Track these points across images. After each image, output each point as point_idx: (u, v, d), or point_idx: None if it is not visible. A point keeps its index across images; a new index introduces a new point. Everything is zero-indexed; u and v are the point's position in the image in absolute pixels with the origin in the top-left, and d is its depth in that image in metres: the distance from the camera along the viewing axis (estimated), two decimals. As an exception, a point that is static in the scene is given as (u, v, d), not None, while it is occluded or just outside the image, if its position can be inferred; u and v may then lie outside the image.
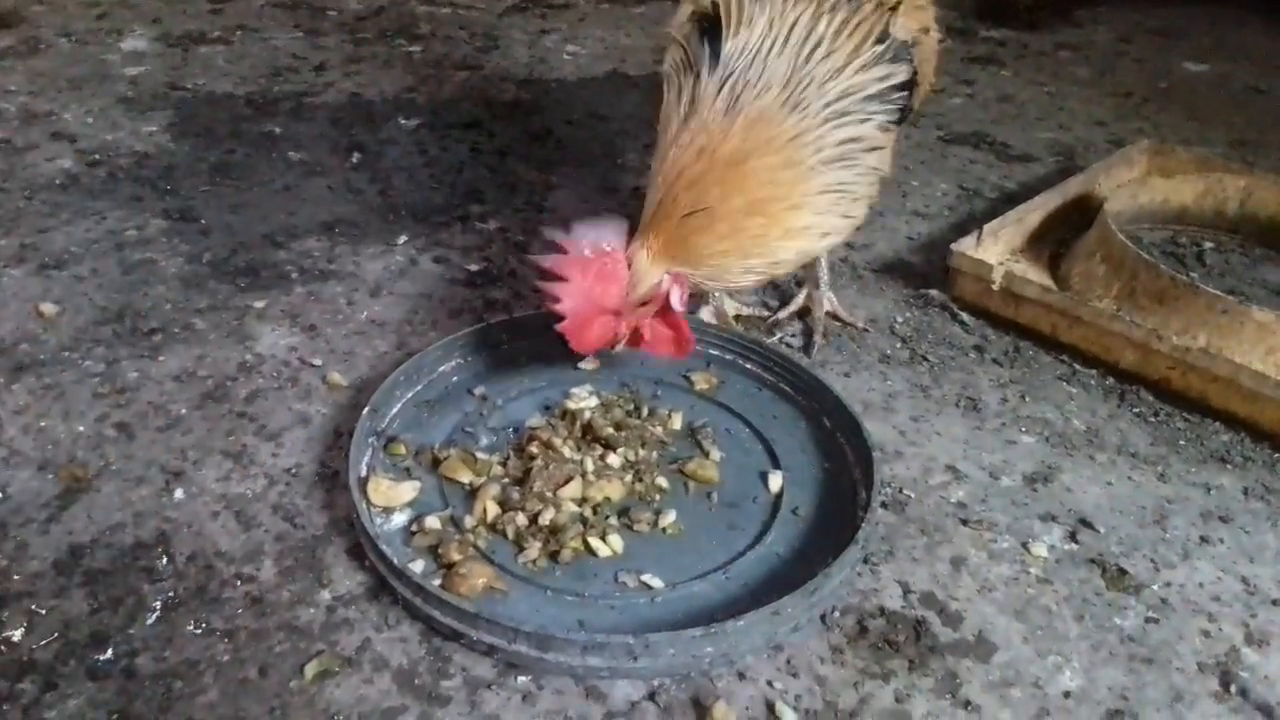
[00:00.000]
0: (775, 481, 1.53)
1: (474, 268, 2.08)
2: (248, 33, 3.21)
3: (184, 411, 1.63)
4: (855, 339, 1.89)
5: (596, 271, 1.44)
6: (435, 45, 3.23)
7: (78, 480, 1.48)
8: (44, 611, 1.28)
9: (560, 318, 1.44)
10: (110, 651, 1.23)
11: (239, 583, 1.33)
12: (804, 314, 1.94)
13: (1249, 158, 2.73)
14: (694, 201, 1.46)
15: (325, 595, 1.32)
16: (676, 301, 1.52)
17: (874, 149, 1.54)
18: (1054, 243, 2.16)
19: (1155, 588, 1.40)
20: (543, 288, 1.44)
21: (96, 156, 2.40)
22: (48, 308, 1.84)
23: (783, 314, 1.94)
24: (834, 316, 1.92)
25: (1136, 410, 1.74)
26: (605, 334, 1.50)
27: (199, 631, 1.26)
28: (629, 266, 1.46)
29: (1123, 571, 1.42)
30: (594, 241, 1.45)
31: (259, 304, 1.90)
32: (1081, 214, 2.19)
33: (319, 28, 3.30)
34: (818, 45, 1.48)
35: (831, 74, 1.48)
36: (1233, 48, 3.67)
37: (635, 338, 1.56)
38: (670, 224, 1.47)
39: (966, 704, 1.22)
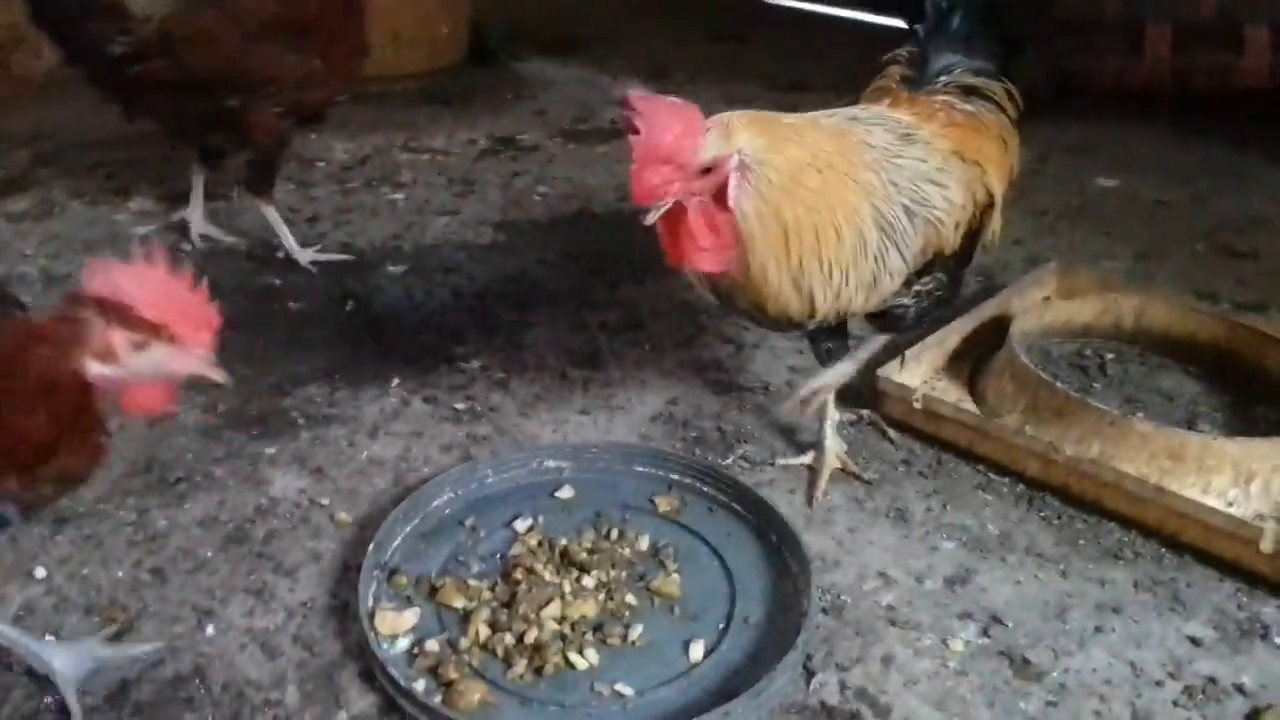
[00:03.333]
0: (729, 594, 1.76)
1: (459, 406, 2.33)
2: (244, 189, 3.51)
3: (209, 554, 1.85)
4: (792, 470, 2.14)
5: (681, 121, 1.50)
6: (417, 192, 3.54)
7: (116, 621, 1.69)
8: (99, 742, 1.48)
9: (634, 151, 1.50)
10: (160, 775, 1.43)
11: (267, 707, 1.54)
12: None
13: (1153, 269, 3.05)
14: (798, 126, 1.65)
15: (343, 715, 1.53)
16: (734, 190, 1.56)
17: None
18: (973, 361, 2.44)
19: (1055, 674, 1.63)
20: (628, 115, 1.49)
21: (115, 315, 2.65)
22: (82, 463, 2.07)
23: (792, 460, 2.11)
24: (842, 469, 2.07)
25: (1043, 514, 1.99)
26: (660, 187, 1.52)
27: (235, 753, 1.47)
28: (709, 129, 1.54)
29: (1027, 661, 1.66)
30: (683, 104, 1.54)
31: (270, 450, 2.14)
32: (997, 333, 2.47)
33: (310, 179, 3.61)
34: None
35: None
36: (1143, 161, 4.02)
37: (676, 223, 1.59)
38: (770, 118, 1.63)
39: (891, 784, 1.44)
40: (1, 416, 1.29)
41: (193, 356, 1.34)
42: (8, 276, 2.85)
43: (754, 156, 1.58)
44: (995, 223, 1.97)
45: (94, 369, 1.30)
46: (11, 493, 1.36)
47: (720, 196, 1.58)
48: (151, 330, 1.30)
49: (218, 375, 1.38)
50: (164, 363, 1.33)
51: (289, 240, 2.98)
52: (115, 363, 1.30)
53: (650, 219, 1.56)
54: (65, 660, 1.55)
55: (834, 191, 1.64)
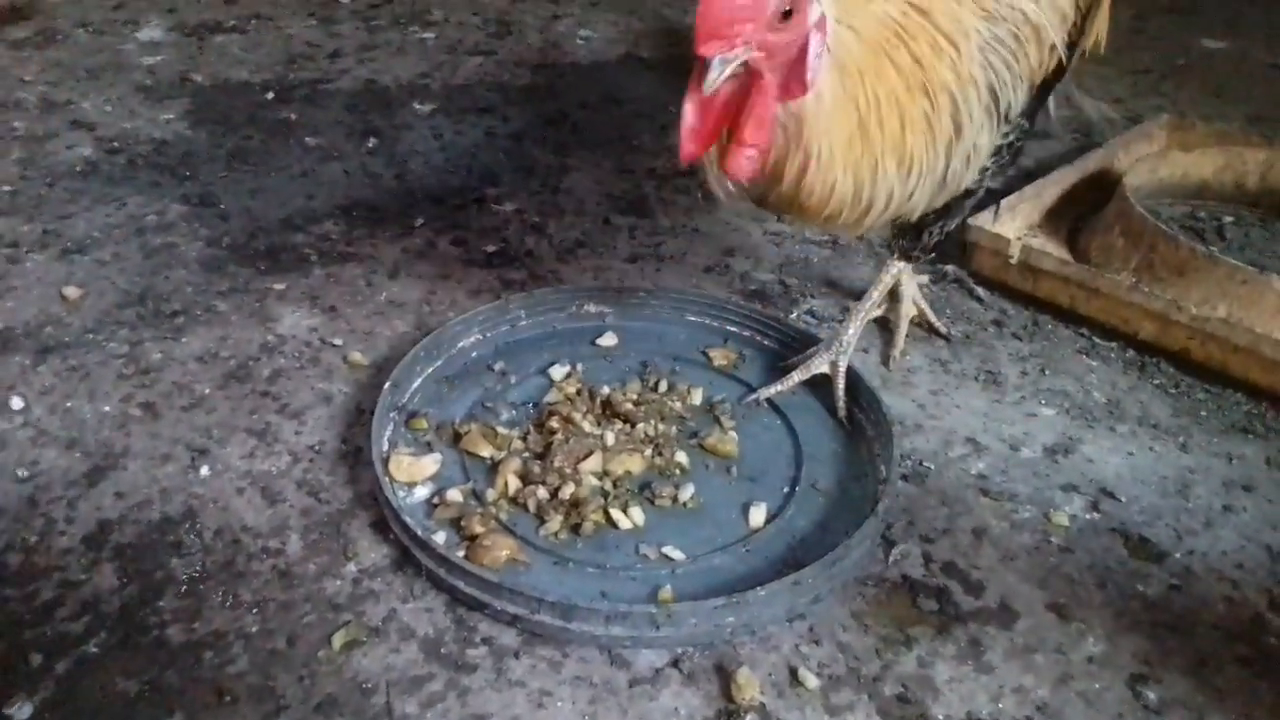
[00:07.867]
0: (793, 456, 1.53)
1: (491, 249, 2.08)
2: (262, 21, 3.22)
3: (207, 391, 1.64)
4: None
5: None
6: (449, 31, 3.23)
7: (105, 458, 1.50)
8: (75, 586, 1.29)
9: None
10: (140, 624, 1.24)
11: (265, 556, 1.34)
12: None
13: (1267, 133, 2.70)
14: None
15: (351, 568, 1.33)
16: (813, 56, 1.21)
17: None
18: (1072, 218, 2.15)
19: (1178, 555, 1.40)
20: None
21: (115, 144, 2.42)
22: (71, 291, 1.86)
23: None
24: (917, 321, 1.83)
25: (1157, 382, 1.73)
26: (732, 29, 1.15)
27: (227, 604, 1.27)
28: None
29: (1145, 540, 1.42)
30: None
31: (279, 286, 1.92)
32: (1100, 189, 2.18)
33: (333, 15, 3.31)
34: None
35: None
36: (1250, 24, 3.63)
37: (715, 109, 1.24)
38: None
39: (990, 669, 1.22)
40: None
41: None
42: (5, 102, 2.61)
43: (835, 12, 1.23)
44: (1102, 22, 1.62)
45: None
46: None
47: (795, 69, 1.21)
48: None
49: None
50: None
51: None
52: None
53: (711, 85, 1.17)
54: None
55: (929, 63, 1.28)
